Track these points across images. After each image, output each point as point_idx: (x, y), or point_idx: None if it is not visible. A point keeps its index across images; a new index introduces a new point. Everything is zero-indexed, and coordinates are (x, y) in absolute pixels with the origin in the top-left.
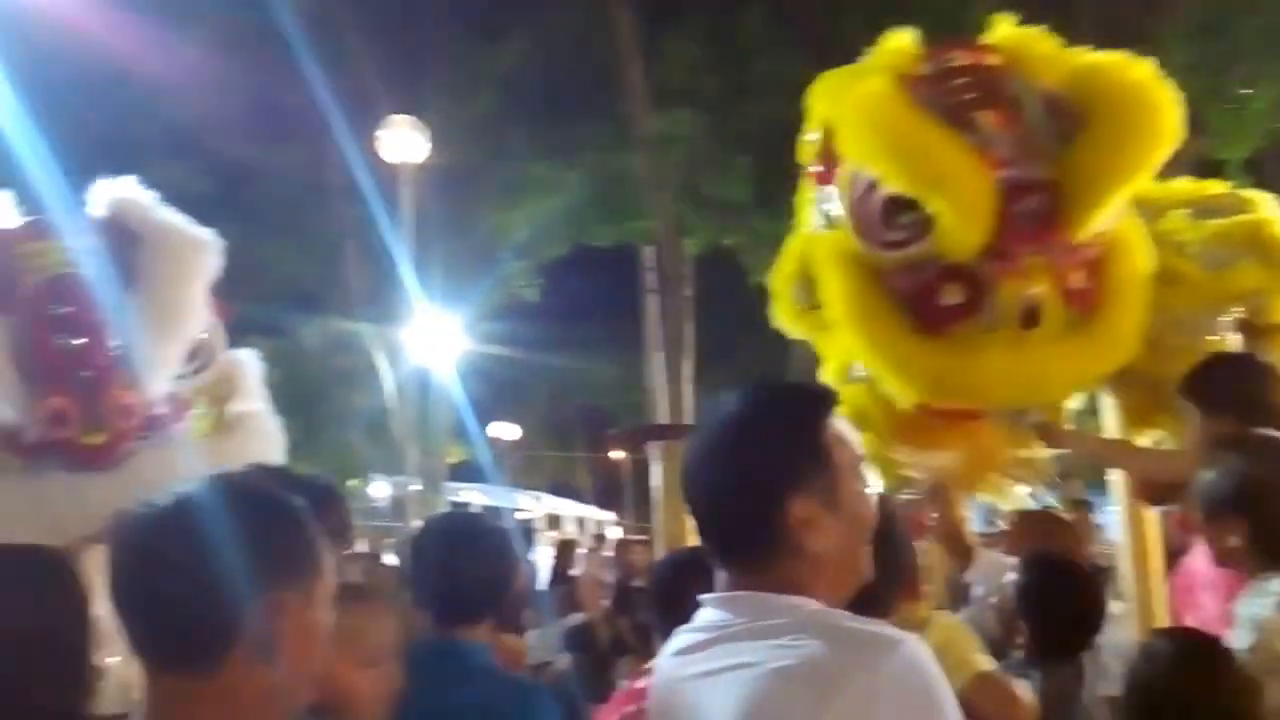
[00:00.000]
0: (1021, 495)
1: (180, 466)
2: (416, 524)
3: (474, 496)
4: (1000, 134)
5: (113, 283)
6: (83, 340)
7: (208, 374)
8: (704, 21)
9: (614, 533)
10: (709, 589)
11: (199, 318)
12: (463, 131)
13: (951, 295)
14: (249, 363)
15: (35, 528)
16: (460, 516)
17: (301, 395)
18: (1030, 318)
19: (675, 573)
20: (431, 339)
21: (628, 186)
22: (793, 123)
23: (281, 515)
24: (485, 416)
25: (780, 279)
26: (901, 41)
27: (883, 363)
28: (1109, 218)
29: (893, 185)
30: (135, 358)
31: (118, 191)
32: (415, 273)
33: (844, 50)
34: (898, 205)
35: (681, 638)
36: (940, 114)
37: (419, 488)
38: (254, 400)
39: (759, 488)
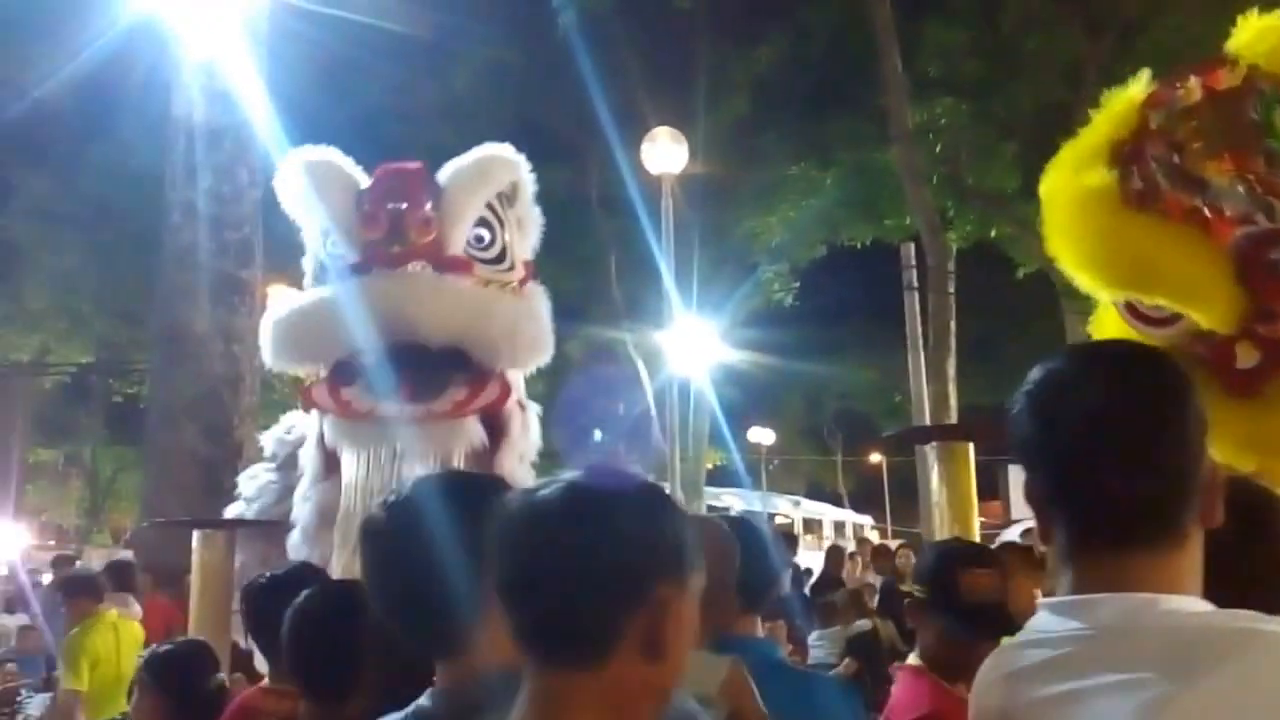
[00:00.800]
0: None
1: (449, 299)
2: None
3: (731, 501)
4: (1233, 186)
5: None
6: (402, 181)
7: (502, 275)
8: (966, 4)
9: (871, 536)
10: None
11: (487, 192)
12: (718, 139)
13: (1247, 357)
14: (538, 289)
15: (332, 332)
16: (721, 518)
17: (566, 403)
18: None
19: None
20: (690, 346)
21: (885, 182)
22: (1063, 103)
23: (665, 509)
24: (742, 422)
25: None
26: (1129, 95)
27: None
28: None
29: (1116, 296)
30: (440, 205)
31: None
32: (674, 281)
33: (1117, 25)
34: None
35: (1015, 652)
36: (1166, 180)
37: (678, 492)
38: (531, 305)
39: (1195, 452)
